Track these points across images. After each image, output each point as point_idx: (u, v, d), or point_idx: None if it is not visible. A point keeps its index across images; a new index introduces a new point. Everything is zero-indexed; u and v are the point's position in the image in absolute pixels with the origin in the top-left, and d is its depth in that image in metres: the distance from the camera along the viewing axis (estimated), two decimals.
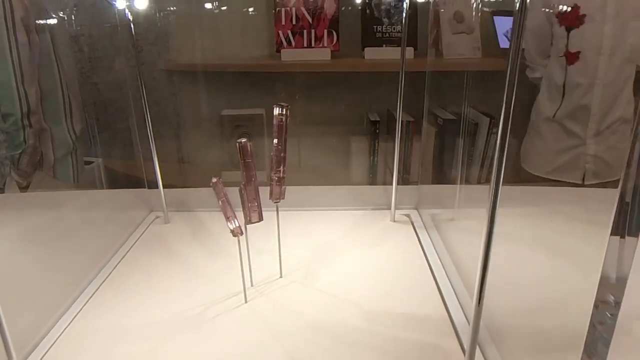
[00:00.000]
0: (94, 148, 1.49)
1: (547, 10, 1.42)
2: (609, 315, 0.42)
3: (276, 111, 0.65)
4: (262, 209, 0.66)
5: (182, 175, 1.61)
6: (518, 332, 0.67)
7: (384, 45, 1.60)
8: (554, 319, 0.66)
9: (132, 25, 0.84)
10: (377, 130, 1.63)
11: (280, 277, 0.73)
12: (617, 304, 0.41)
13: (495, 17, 1.75)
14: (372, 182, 1.65)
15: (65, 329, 0.63)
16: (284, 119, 0.66)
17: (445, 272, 0.76)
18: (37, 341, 0.61)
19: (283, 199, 0.68)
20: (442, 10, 1.65)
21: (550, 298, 0.71)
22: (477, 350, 0.61)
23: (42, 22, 1.24)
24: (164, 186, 0.92)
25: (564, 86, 1.40)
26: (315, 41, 1.58)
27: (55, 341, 0.61)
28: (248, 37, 1.66)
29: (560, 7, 1.38)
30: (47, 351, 0.60)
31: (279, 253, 0.73)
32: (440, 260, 0.79)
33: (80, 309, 0.67)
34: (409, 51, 1.61)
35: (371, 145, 1.64)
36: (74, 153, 1.32)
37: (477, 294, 0.51)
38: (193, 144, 1.71)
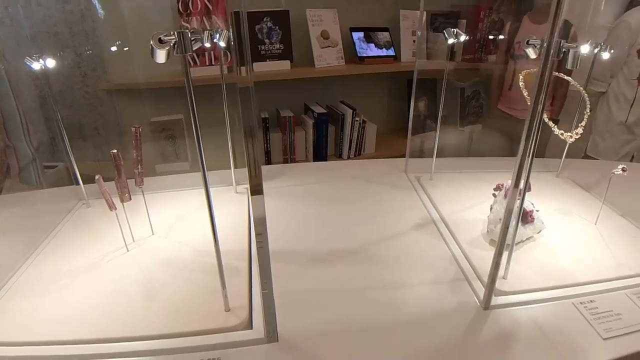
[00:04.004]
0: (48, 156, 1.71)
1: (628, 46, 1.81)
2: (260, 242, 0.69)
3: (133, 131, 0.94)
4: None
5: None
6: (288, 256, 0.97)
7: (267, 60, 1.85)
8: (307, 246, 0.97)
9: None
10: (268, 125, 1.91)
11: (152, 234, 1.01)
12: (262, 234, 0.68)
13: (352, 33, 2.01)
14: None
15: (18, 279, 0.86)
16: (138, 136, 0.95)
17: None
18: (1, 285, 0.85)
19: (143, 184, 0.96)
20: (312, 28, 1.92)
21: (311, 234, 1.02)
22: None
23: None
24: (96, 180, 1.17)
25: (633, 101, 1.84)
26: (214, 60, 1.83)
27: (12, 285, 0.84)
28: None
29: None
30: (7, 291, 0.83)
31: (148, 219, 1.02)
32: None
33: (30, 264, 0.91)
34: (286, 63, 1.88)
35: (263, 137, 1.91)
36: (34, 162, 1.56)
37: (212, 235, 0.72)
38: (130, 146, 1.95)
